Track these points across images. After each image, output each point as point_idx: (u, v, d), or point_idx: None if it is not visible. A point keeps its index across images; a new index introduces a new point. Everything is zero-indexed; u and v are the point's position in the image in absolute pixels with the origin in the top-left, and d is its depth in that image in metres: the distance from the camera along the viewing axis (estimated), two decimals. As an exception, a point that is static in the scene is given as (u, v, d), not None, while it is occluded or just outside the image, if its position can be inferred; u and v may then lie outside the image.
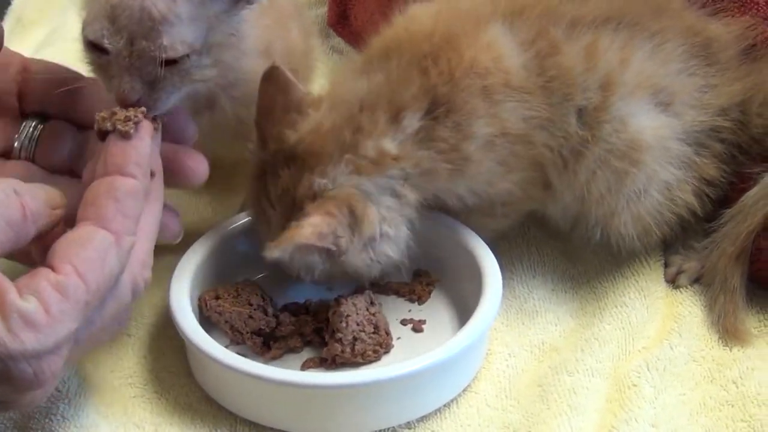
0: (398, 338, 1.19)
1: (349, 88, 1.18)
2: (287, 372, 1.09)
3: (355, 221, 1.12)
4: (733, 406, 1.13)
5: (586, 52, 1.18)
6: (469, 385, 1.16)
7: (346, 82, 1.20)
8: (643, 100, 1.20)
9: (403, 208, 1.16)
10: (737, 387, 1.15)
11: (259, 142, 1.17)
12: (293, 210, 1.12)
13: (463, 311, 1.19)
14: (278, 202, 1.14)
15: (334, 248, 1.11)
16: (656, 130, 1.20)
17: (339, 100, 1.17)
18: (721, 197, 1.27)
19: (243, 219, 1.26)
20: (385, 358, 1.16)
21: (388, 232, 1.15)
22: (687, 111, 1.22)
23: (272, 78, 1.14)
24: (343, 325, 1.14)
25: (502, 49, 1.17)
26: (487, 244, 1.22)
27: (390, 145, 1.14)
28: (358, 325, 1.15)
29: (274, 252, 1.07)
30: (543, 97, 1.17)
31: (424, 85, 1.14)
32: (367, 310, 1.17)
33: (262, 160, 1.16)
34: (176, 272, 1.18)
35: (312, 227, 1.08)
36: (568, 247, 1.34)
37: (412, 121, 1.14)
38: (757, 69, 1.28)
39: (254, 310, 1.17)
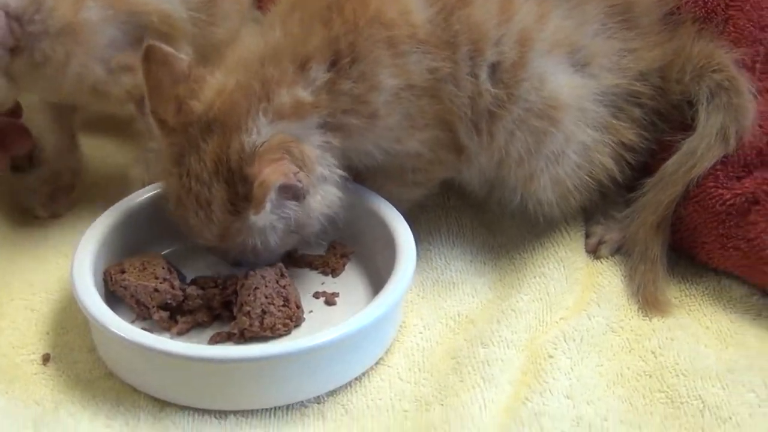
0: (310, 311, 1.16)
1: (245, 49, 1.15)
2: (190, 346, 1.06)
3: (297, 160, 1.08)
4: (650, 376, 1.11)
5: (500, 6, 1.16)
6: (381, 359, 1.13)
7: (241, 45, 1.17)
8: (561, 58, 1.18)
9: (330, 152, 1.13)
10: (656, 357, 1.13)
11: (161, 128, 1.13)
12: (234, 180, 1.08)
13: (378, 283, 1.16)
14: (214, 178, 1.10)
15: (300, 185, 1.07)
16: (573, 89, 1.18)
17: (236, 61, 1.14)
18: (641, 165, 1.25)
19: (150, 192, 1.23)
20: (295, 332, 1.13)
21: (324, 173, 1.12)
22: (604, 74, 1.20)
23: (150, 56, 1.11)
24: (251, 297, 1.11)
25: (408, 3, 1.14)
26: (404, 216, 1.20)
27: (303, 93, 1.11)
28: (266, 297, 1.12)
29: (261, 207, 1.05)
30: (449, 51, 1.14)
31: (327, 36, 1.12)
32: (277, 282, 1.14)
33: (173, 144, 1.12)
34: (80, 246, 1.15)
35: (274, 172, 1.05)
36: (488, 218, 1.32)
37: (319, 73, 1.12)
38: (677, 35, 1.26)
39: (160, 283, 1.14)
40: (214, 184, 1.10)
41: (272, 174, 1.05)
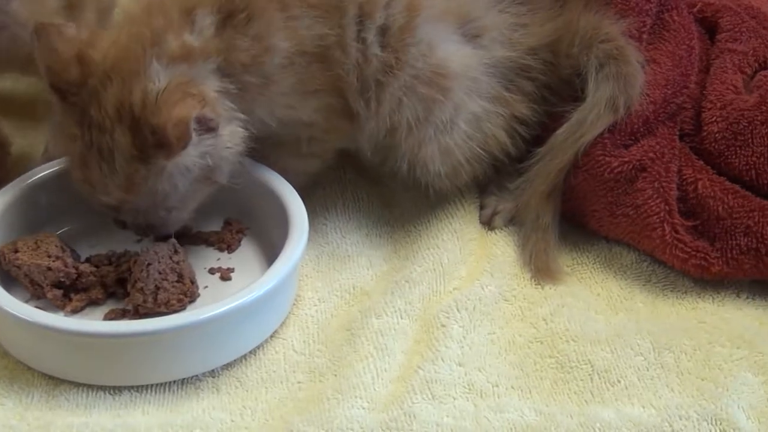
0: (205, 287, 1.17)
1: (132, 6, 1.16)
2: (83, 322, 1.06)
3: (197, 97, 1.08)
4: (542, 342, 1.13)
5: None
6: (275, 332, 1.14)
7: (127, 3, 1.18)
8: (451, 27, 1.19)
9: (228, 98, 1.13)
10: (547, 324, 1.15)
11: (61, 98, 1.12)
12: (140, 127, 1.07)
13: (273, 258, 1.16)
14: (116, 123, 1.08)
15: (212, 116, 1.07)
16: (463, 58, 1.19)
17: (125, 16, 1.15)
18: (533, 138, 1.27)
19: (46, 170, 1.23)
20: (190, 307, 1.14)
21: (224, 114, 1.12)
22: (495, 46, 1.22)
23: (42, 33, 1.11)
24: (144, 274, 1.11)
25: None
26: (300, 190, 1.21)
27: (190, 38, 1.11)
28: (160, 273, 1.12)
29: (184, 142, 1.05)
30: (337, 17, 1.15)
31: None
32: (171, 258, 1.14)
33: (75, 104, 1.11)
34: (-29, 227, 1.15)
35: (184, 108, 1.05)
36: (385, 192, 1.34)
37: (205, 20, 1.11)
38: (567, 9, 1.28)
39: (53, 261, 1.13)
40: (117, 129, 1.08)
41: (182, 110, 1.05)
